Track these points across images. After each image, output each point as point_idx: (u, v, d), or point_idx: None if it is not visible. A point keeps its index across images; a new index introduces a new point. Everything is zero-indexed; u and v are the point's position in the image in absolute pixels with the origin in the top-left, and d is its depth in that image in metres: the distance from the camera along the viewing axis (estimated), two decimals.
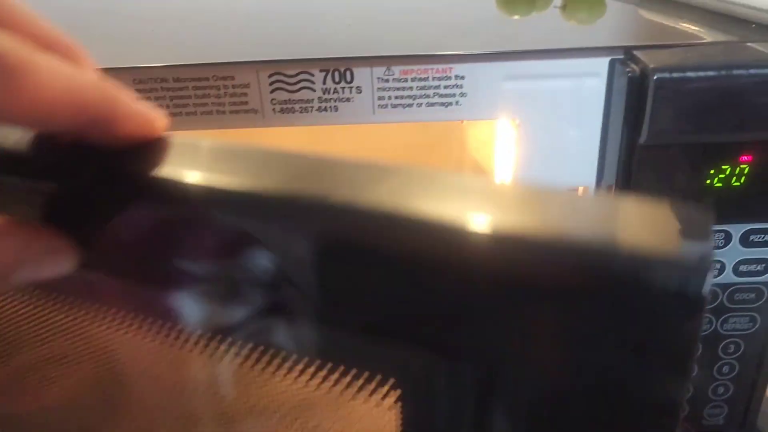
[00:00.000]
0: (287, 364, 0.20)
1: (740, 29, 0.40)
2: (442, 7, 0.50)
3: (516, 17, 0.50)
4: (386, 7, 0.52)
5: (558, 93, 0.37)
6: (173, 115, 0.38)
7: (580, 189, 0.41)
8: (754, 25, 0.40)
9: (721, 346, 0.41)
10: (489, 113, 0.39)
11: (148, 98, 0.38)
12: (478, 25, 0.45)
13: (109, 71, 0.37)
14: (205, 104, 0.38)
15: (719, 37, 0.39)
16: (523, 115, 0.38)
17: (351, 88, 0.38)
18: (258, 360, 0.21)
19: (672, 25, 0.43)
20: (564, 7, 0.48)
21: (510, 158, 0.41)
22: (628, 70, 0.35)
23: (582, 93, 0.37)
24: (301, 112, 0.38)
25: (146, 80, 0.37)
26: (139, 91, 0.38)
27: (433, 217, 0.16)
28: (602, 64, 0.37)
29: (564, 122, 0.38)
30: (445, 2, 0.52)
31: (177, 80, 0.38)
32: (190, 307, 0.21)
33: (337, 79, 0.37)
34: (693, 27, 0.42)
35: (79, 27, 0.50)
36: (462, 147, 0.72)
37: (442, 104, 0.38)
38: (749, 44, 0.37)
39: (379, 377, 0.19)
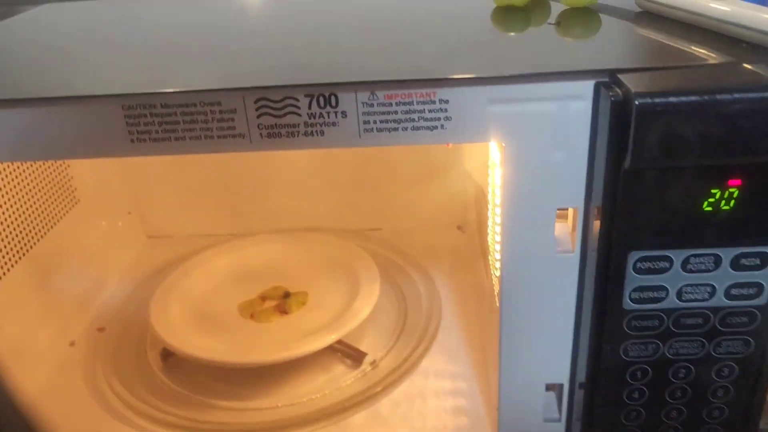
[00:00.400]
0: None
1: (734, 48, 0.40)
2: (429, 30, 0.50)
3: (512, 34, 0.49)
4: (372, 31, 0.52)
5: (543, 116, 0.37)
6: (162, 140, 0.39)
7: (570, 211, 0.41)
8: (745, 45, 0.39)
9: (714, 369, 0.41)
10: (474, 136, 0.38)
11: (137, 124, 0.39)
12: (464, 46, 0.45)
13: (99, 98, 0.38)
14: (194, 129, 0.39)
15: (712, 56, 0.39)
16: (509, 138, 0.38)
17: (336, 112, 0.38)
18: None
19: (665, 43, 0.43)
20: (559, 24, 0.48)
21: (499, 176, 0.41)
22: (611, 94, 0.35)
23: (568, 116, 0.37)
24: (287, 136, 0.39)
25: (135, 106, 0.38)
26: (128, 117, 0.38)
27: None
28: (587, 86, 0.36)
29: (550, 144, 0.38)
30: (431, 24, 0.52)
31: (165, 106, 0.38)
32: None
33: (322, 104, 0.38)
34: (686, 46, 0.41)
35: (68, 55, 0.50)
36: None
37: (428, 128, 0.38)
38: (741, 65, 0.36)
39: None
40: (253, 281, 0.67)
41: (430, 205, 0.78)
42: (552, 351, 0.44)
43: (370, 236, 0.77)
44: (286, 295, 0.64)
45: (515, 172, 0.39)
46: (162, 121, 0.39)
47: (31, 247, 0.61)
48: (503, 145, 0.38)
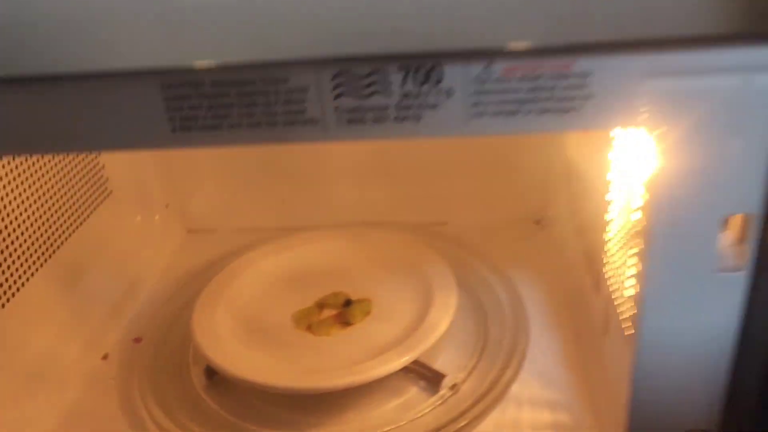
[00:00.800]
0: None
1: None
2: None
3: None
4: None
5: (719, 93, 0.28)
6: (213, 128, 0.30)
7: (738, 216, 0.31)
8: None
9: None
10: (620, 120, 0.29)
11: (181, 108, 0.30)
12: (603, 4, 0.35)
13: (130, 75, 0.30)
14: (252, 114, 0.30)
15: None
16: (669, 123, 0.29)
17: (439, 91, 0.29)
18: None
19: None
20: None
21: (643, 173, 0.32)
22: None
23: (752, 93, 0.28)
24: (373, 122, 0.30)
25: (177, 85, 0.29)
26: (168, 99, 0.30)
27: None
28: None
29: (725, 131, 0.29)
30: None
31: (215, 84, 0.29)
32: None
33: (421, 80, 0.29)
34: None
35: (87, 19, 0.41)
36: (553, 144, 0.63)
37: (559, 111, 0.29)
38: None
39: None
40: (308, 286, 0.58)
41: (503, 197, 0.69)
42: (699, 391, 0.35)
43: (435, 231, 0.68)
44: (347, 302, 0.56)
45: (672, 166, 0.30)
46: (212, 104, 0.30)
47: (57, 247, 0.54)
48: (659, 132, 0.29)
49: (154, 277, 0.66)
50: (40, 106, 0.30)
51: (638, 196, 0.33)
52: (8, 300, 0.48)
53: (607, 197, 0.41)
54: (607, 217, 0.41)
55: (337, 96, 0.29)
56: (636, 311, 0.34)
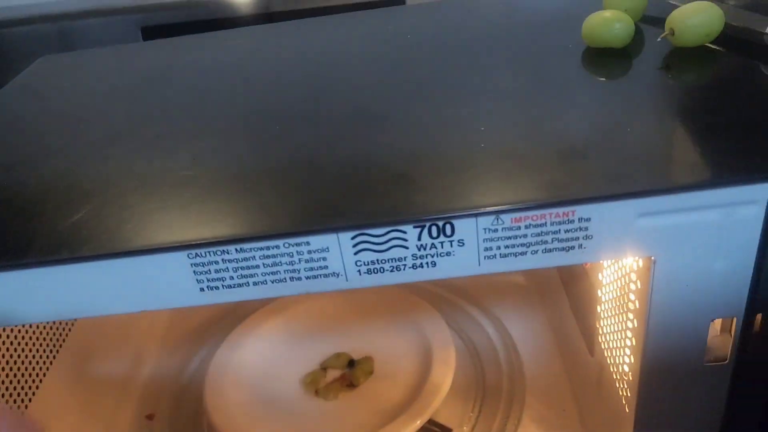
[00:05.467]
0: None
1: None
2: (546, 132, 0.38)
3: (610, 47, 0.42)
4: (485, 141, 0.40)
5: (704, 226, 0.31)
6: (239, 286, 0.32)
7: (719, 322, 0.35)
8: None
9: None
10: (617, 254, 0.32)
11: (208, 272, 0.32)
12: (596, 148, 0.35)
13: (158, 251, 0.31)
14: (277, 273, 0.32)
15: None
16: (660, 253, 0.32)
17: (452, 242, 0.31)
18: None
19: None
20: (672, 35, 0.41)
21: (641, 293, 0.35)
22: None
23: (733, 224, 0.31)
24: (391, 271, 0.32)
25: (204, 254, 0.31)
26: (196, 266, 0.31)
27: None
28: (763, 190, 0.30)
29: (710, 255, 0.32)
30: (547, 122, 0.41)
31: (241, 251, 0.31)
32: None
33: (434, 234, 0.31)
34: None
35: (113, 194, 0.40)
36: None
37: (562, 249, 0.31)
38: None
39: None
40: (310, 346, 0.61)
41: None
42: None
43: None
44: (351, 363, 0.58)
45: (664, 285, 0.33)
46: (238, 266, 0.32)
47: (66, 335, 0.55)
48: (651, 260, 0.32)
49: (154, 345, 0.67)
50: (93, 278, 0.32)
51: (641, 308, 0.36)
52: (30, 400, 0.49)
53: (599, 278, 0.44)
54: (598, 296, 0.44)
55: (357, 252, 0.31)
56: (628, 383, 0.38)
